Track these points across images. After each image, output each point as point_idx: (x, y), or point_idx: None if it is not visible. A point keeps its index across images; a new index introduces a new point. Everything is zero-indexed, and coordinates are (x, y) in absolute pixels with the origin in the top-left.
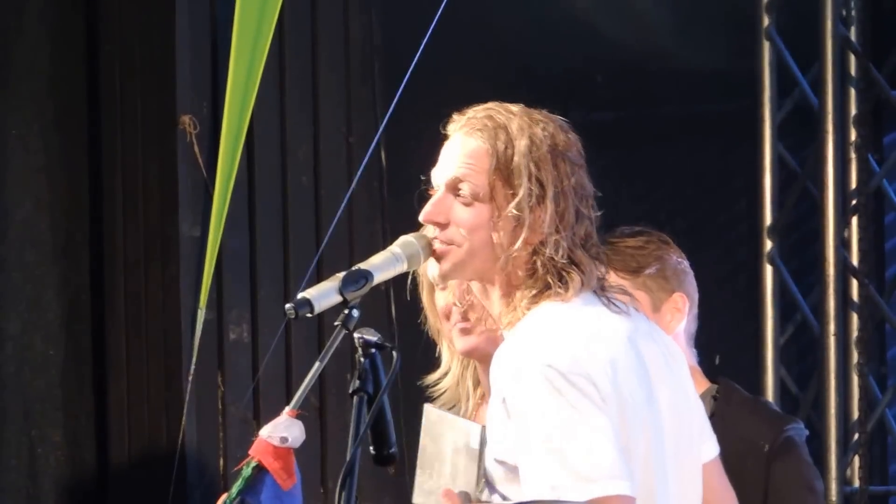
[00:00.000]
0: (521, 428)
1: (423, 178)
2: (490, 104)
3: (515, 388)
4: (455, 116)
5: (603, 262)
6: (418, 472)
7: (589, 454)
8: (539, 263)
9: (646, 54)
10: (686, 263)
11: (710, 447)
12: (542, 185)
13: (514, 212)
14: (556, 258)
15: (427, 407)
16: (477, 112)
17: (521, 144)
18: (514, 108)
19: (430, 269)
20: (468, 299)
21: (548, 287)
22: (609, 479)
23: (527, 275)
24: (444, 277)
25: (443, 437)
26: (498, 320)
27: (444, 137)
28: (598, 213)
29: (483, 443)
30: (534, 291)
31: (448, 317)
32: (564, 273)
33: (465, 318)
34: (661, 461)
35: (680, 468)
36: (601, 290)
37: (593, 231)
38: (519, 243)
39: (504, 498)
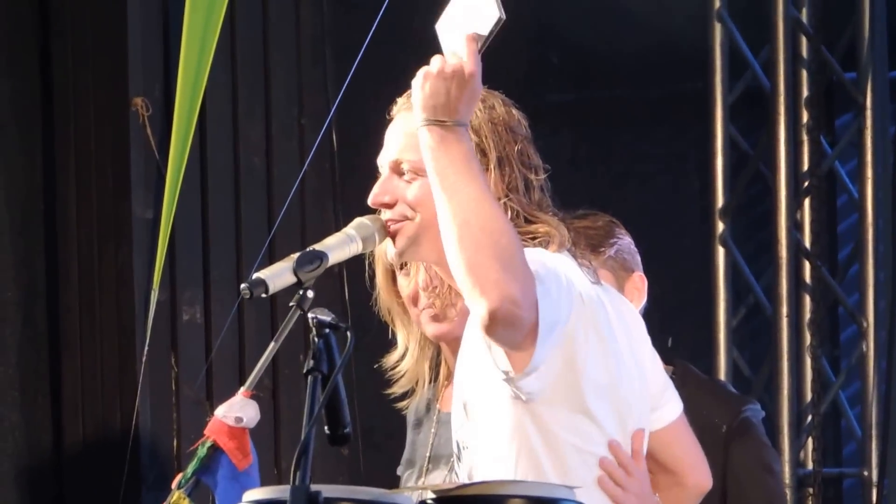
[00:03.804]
0: None
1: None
2: None
3: None
4: (398, 100)
5: (567, 227)
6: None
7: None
8: None
9: (599, 36)
10: (633, 243)
11: (673, 407)
12: (484, 153)
13: None
14: (512, 220)
15: None
16: None
17: None
18: None
19: (388, 250)
20: (434, 286)
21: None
22: None
23: None
24: (402, 255)
25: None
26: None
27: (391, 121)
28: (546, 175)
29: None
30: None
31: (416, 302)
32: (535, 232)
33: (433, 304)
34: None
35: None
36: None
37: (548, 200)
38: None
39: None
